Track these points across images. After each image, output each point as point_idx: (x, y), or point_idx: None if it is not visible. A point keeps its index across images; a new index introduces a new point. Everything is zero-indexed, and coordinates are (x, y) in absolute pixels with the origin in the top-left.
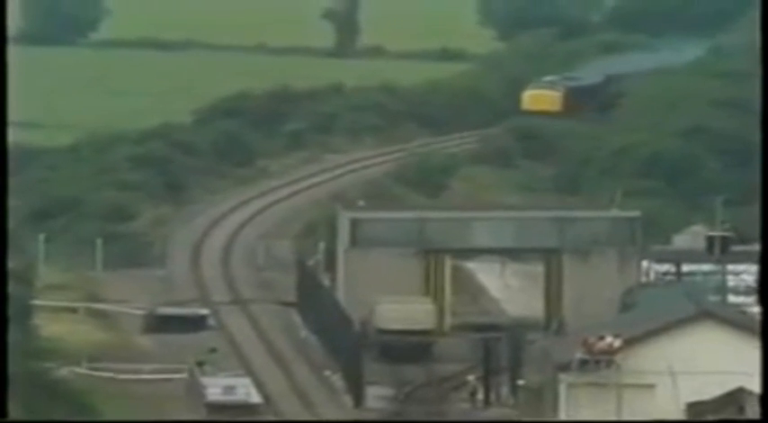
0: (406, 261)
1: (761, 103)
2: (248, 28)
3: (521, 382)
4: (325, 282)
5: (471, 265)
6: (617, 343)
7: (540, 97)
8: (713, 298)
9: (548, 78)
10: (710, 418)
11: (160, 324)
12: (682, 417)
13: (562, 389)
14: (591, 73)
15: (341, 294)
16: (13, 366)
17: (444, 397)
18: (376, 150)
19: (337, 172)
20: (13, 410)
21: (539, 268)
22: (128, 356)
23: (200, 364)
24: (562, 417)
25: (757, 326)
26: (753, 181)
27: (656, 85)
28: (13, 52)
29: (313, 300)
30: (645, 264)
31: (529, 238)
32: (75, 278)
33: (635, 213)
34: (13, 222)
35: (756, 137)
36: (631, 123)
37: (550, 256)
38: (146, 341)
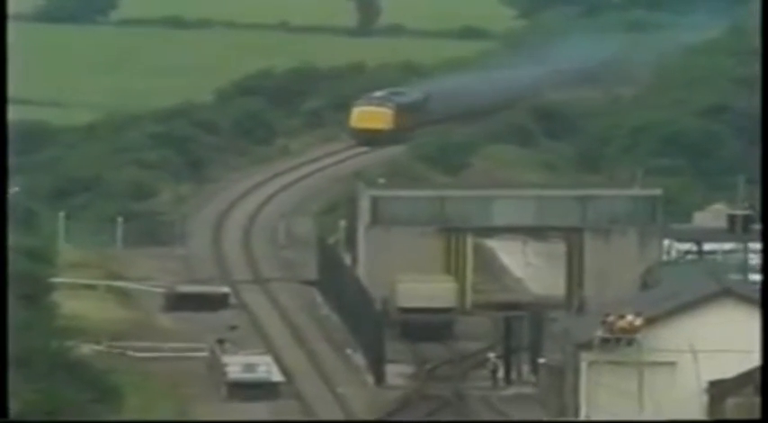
0: (428, 239)
1: (761, 102)
2: (270, 6)
3: (542, 361)
4: (346, 260)
5: (492, 244)
6: (638, 321)
7: (370, 114)
8: (734, 276)
9: (377, 94)
10: (731, 397)
11: (180, 302)
12: (703, 395)
13: (583, 367)
14: (413, 89)
15: (362, 272)
16: (33, 344)
17: (465, 375)
18: None
19: (358, 150)
20: (33, 389)
21: (560, 246)
22: (148, 335)
23: (220, 342)
24: (583, 395)
25: None
26: None
27: (677, 63)
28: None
29: (334, 278)
30: (666, 242)
31: (550, 217)
32: (95, 256)
33: (656, 192)
34: (33, 200)
35: None
36: (652, 102)
37: (572, 235)
38: (166, 319)
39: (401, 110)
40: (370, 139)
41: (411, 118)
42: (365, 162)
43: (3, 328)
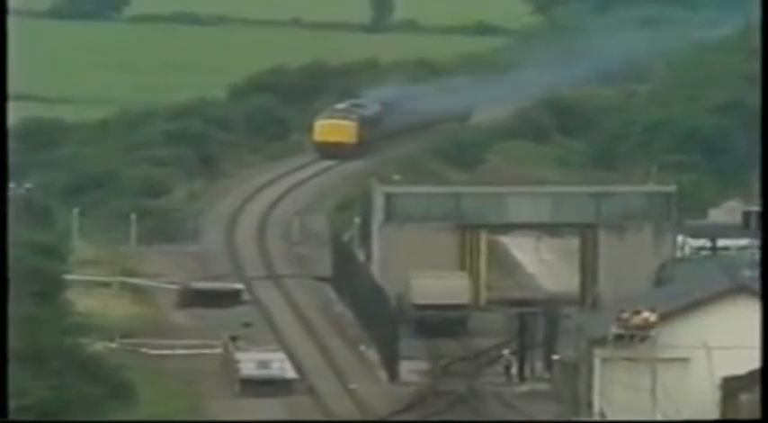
0: (442, 235)
1: (761, 102)
2: (283, 3)
3: (556, 357)
4: (361, 256)
5: (507, 240)
6: (652, 317)
7: (334, 127)
8: (748, 272)
9: (339, 107)
10: (745, 393)
11: (194, 299)
12: (716, 391)
13: (597, 363)
14: (370, 101)
15: (376, 269)
16: (47, 341)
17: (479, 371)
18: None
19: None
20: (46, 385)
21: (574, 243)
22: (161, 331)
23: (234, 338)
24: (596, 391)
25: None
26: None
27: (691, 60)
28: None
29: (348, 274)
30: (680, 238)
31: (564, 213)
32: (108, 253)
33: (671, 188)
34: (47, 197)
35: None
36: (667, 98)
37: (586, 231)
38: (179, 316)
39: (364, 123)
40: (335, 152)
41: (373, 131)
42: (380, 158)
43: (3, 329)
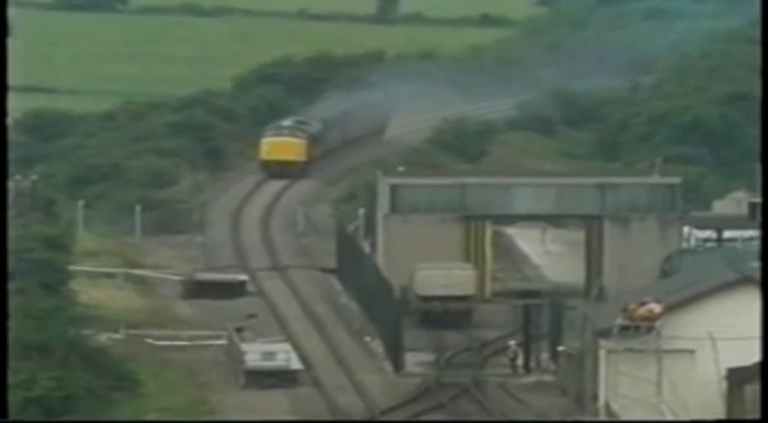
0: (447, 227)
1: (761, 102)
2: None
3: (561, 348)
4: (365, 248)
5: (512, 231)
6: (657, 309)
7: (282, 146)
8: (754, 264)
9: (284, 124)
10: (750, 384)
11: (199, 290)
12: (722, 382)
13: (602, 355)
14: (311, 118)
15: (381, 260)
16: (52, 332)
17: (484, 363)
18: (415, 117)
19: (378, 139)
20: (51, 377)
21: (579, 234)
22: (166, 323)
23: (239, 330)
24: (602, 383)
25: None
26: None
27: (696, 52)
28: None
29: (353, 266)
30: (685, 230)
31: (569, 205)
32: (113, 244)
33: (675, 179)
34: (51, 189)
35: None
36: (672, 90)
37: (591, 223)
38: (184, 307)
39: (311, 140)
40: (283, 171)
41: (317, 148)
42: (384, 150)
43: (3, 329)
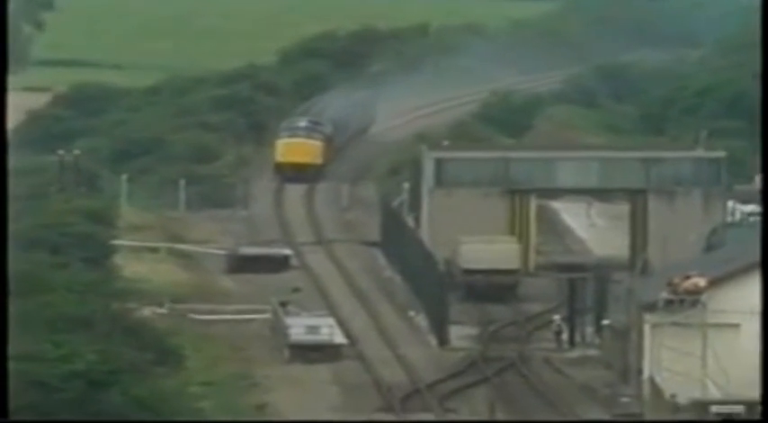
0: (491, 200)
1: (761, 101)
2: None
3: (605, 322)
4: (409, 222)
5: (557, 205)
6: (702, 282)
7: (300, 147)
8: None
9: (300, 125)
10: None
11: (243, 264)
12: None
13: (647, 329)
14: (322, 117)
15: (425, 234)
16: (95, 306)
17: (529, 337)
18: (461, 91)
19: (421, 112)
20: (94, 351)
21: (624, 208)
22: (210, 297)
23: (283, 304)
24: (646, 357)
25: None
26: None
27: (738, 25)
28: None
29: (397, 240)
30: (730, 204)
31: (614, 178)
32: (157, 218)
33: (720, 153)
34: (95, 163)
35: None
36: (716, 63)
37: (636, 196)
38: (228, 281)
39: (327, 141)
40: (299, 174)
41: (331, 149)
42: (429, 124)
43: (3, 329)
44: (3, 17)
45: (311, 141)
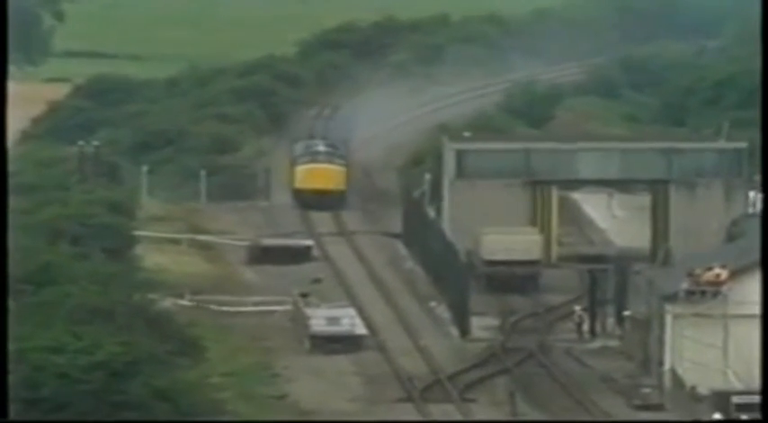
0: (513, 192)
1: (761, 101)
2: None
3: (627, 313)
4: (431, 213)
5: (578, 196)
6: (724, 274)
7: (323, 173)
8: None
9: (320, 148)
10: None
11: (264, 255)
12: None
13: (668, 319)
14: (335, 140)
15: (447, 225)
16: (116, 297)
17: (550, 327)
18: (482, 81)
19: (442, 103)
20: (116, 342)
21: (646, 199)
22: (231, 288)
23: (304, 295)
24: (667, 348)
25: None
26: None
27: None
28: None
29: (418, 231)
30: (751, 194)
31: (635, 169)
32: (177, 210)
33: (742, 144)
34: (115, 154)
35: None
36: (737, 53)
37: (657, 187)
38: (249, 273)
39: (347, 166)
40: (322, 202)
41: (348, 173)
42: (450, 115)
43: (3, 329)
44: (3, 17)
45: (334, 167)
